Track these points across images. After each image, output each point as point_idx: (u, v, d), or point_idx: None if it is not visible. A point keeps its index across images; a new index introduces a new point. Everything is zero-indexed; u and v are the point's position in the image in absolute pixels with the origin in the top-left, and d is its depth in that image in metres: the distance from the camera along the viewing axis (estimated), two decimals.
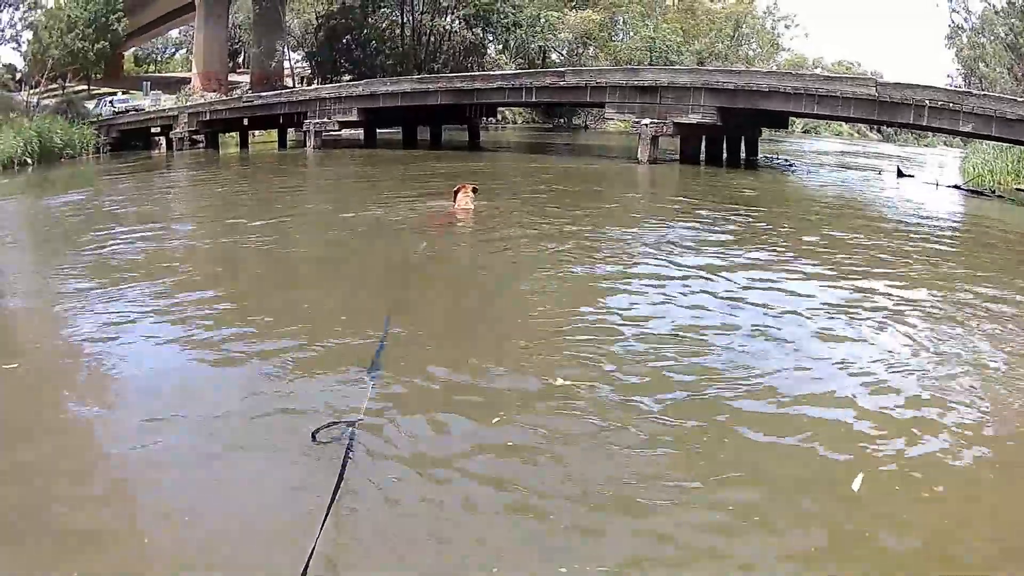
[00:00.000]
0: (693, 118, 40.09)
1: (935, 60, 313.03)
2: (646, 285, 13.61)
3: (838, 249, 18.17)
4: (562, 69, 52.41)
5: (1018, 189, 38.42)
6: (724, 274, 14.67)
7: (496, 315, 12.02)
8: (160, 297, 12.84)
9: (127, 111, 70.20)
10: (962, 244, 21.90)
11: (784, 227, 22.02)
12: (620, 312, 11.82)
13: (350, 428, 7.47)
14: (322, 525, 5.80)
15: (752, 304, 12.69)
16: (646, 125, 40.99)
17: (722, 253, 16.82)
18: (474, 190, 22.77)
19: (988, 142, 43.14)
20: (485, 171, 37.54)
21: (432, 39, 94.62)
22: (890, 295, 13.59)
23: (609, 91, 43.12)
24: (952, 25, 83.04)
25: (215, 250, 17.19)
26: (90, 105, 76.18)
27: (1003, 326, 11.84)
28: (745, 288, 13.69)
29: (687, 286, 13.69)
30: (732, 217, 23.18)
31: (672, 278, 14.30)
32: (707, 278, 14.32)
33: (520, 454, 7.22)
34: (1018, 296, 13.93)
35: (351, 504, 6.31)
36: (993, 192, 37.41)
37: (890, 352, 10.37)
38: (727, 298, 13.01)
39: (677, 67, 57.35)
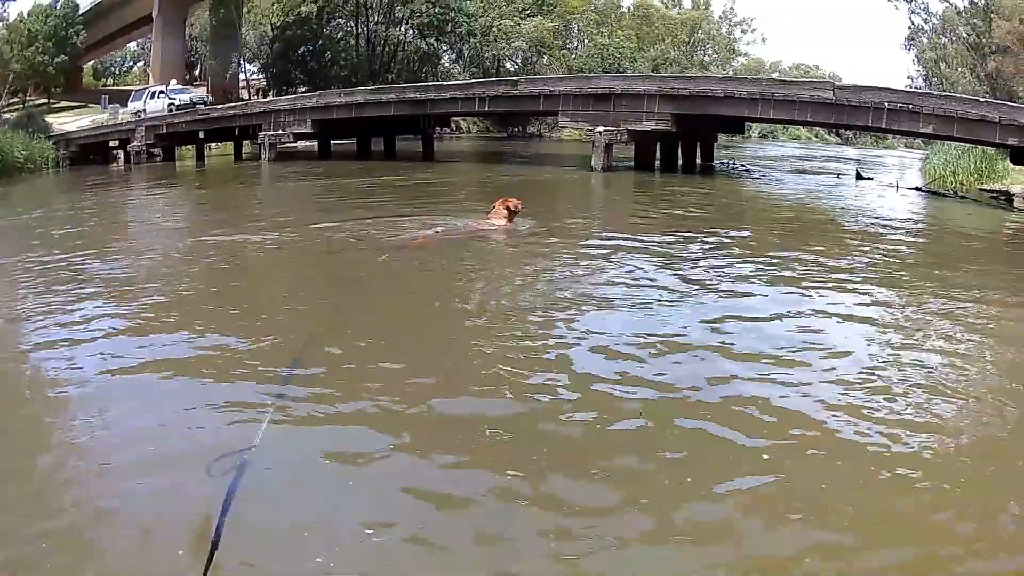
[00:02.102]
0: (647, 125, 39.38)
1: (896, 63, 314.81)
2: (599, 302, 12.60)
3: (796, 254, 17.43)
4: (515, 78, 51.40)
5: (982, 190, 37.94)
6: (678, 282, 14.06)
7: (425, 337, 10.98)
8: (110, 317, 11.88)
9: (185, 107, 65.34)
10: (922, 246, 21.85)
11: (738, 231, 21.38)
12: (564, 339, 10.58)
13: (242, 458, 6.89)
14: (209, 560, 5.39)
15: (710, 310, 12.20)
16: (600, 133, 40.13)
17: (674, 262, 15.99)
18: (510, 209, 19.53)
19: (951, 143, 42.90)
20: (438, 183, 36.87)
21: (386, 49, 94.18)
22: (848, 300, 13.17)
23: (562, 99, 42.31)
24: (912, 27, 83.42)
25: (152, 271, 15.86)
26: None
27: (970, 329, 11.56)
28: (700, 294, 13.20)
29: (646, 298, 12.86)
30: (685, 223, 22.54)
31: (635, 287, 13.58)
32: (661, 287, 13.61)
33: (416, 488, 6.58)
34: (984, 298, 13.67)
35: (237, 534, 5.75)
36: (955, 193, 37.21)
37: (851, 360, 9.84)
38: (679, 304, 12.51)
39: (631, 74, 56.76)
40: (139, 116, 66.25)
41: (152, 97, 71.52)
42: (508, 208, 19.33)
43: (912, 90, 39.56)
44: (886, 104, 33.63)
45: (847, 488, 6.55)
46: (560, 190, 35.83)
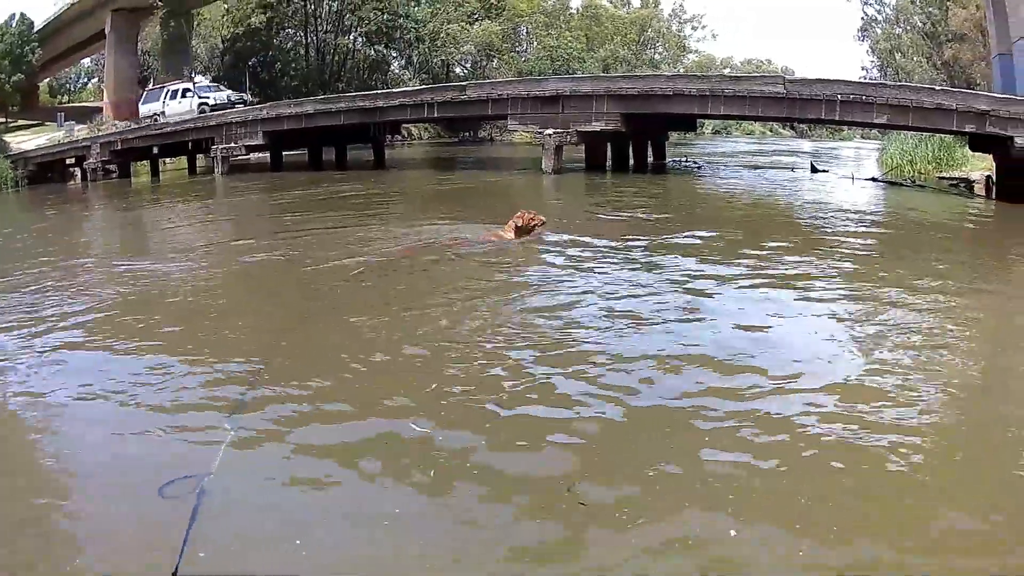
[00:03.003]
0: (597, 126, 38.63)
1: (851, 56, 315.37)
2: (561, 308, 12.14)
3: (757, 251, 17.13)
4: (463, 83, 50.15)
5: (941, 177, 38.38)
6: (632, 278, 14.17)
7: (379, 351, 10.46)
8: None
9: (222, 107, 59.46)
10: (886, 237, 21.67)
11: (695, 230, 20.47)
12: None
13: (198, 483, 6.80)
14: None
15: (670, 307, 12.17)
16: (549, 135, 39.33)
17: (632, 265, 15.78)
18: (522, 224, 18.03)
19: (908, 132, 42.28)
20: (389, 191, 36.11)
21: (336, 58, 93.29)
22: (809, 292, 13.34)
23: (511, 103, 41.33)
24: (865, 18, 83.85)
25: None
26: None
27: (940, 319, 11.76)
28: (662, 296, 12.94)
29: (603, 296, 12.78)
30: (640, 225, 22.27)
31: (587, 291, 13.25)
32: (615, 285, 13.56)
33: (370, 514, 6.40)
34: (953, 287, 13.87)
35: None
36: (913, 182, 37.60)
37: (813, 349, 10.16)
38: (642, 307, 12.18)
39: (579, 75, 56.15)
40: (154, 120, 60.79)
41: (173, 97, 63.93)
42: (517, 224, 18.05)
43: (865, 81, 39.60)
44: (839, 96, 33.09)
45: (815, 482, 6.62)
46: (512, 195, 34.69)
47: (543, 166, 39.50)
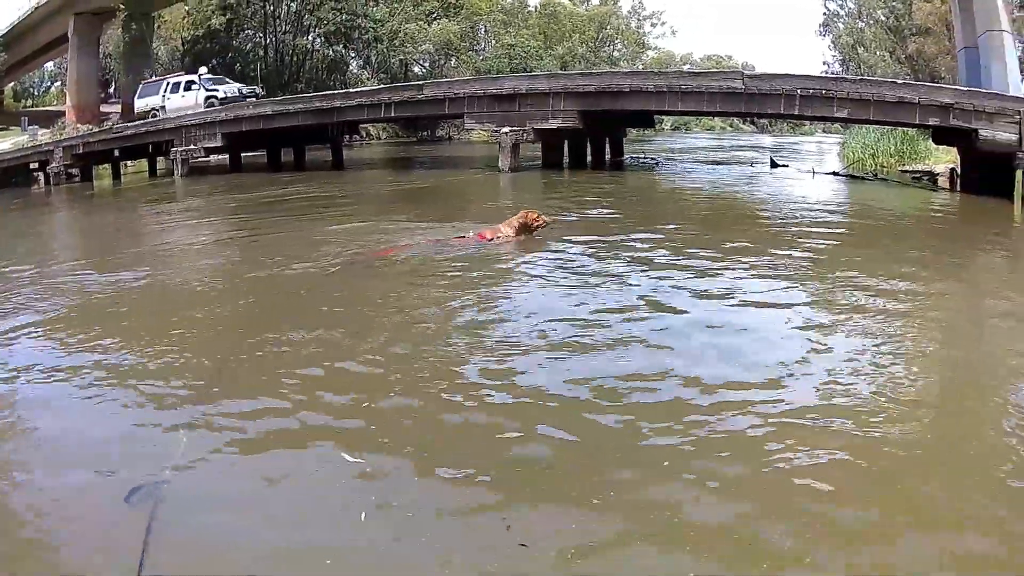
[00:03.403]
0: (553, 123, 37.99)
1: (814, 50, 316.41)
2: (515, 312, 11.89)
3: (711, 246, 17.11)
4: (421, 83, 48.83)
5: (903, 171, 38.38)
6: (598, 276, 14.07)
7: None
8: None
9: (233, 100, 55.14)
10: (848, 230, 21.77)
11: (655, 227, 20.31)
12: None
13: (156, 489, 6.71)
14: None
15: (637, 306, 11.99)
16: (506, 133, 38.48)
17: (593, 263, 15.45)
18: (524, 223, 17.55)
19: (870, 126, 42.28)
20: (347, 192, 35.01)
21: (295, 59, 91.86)
22: (772, 287, 13.34)
23: (468, 101, 40.53)
24: (827, 13, 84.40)
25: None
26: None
27: (903, 310, 11.96)
28: (625, 292, 12.93)
29: (567, 295, 12.73)
30: (600, 223, 21.79)
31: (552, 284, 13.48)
32: (579, 284, 13.44)
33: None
34: (905, 278, 13.92)
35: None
36: (875, 176, 37.65)
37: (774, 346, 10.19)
38: (605, 305, 12.06)
39: (536, 73, 55.15)
40: (153, 115, 55.69)
41: (175, 90, 58.04)
42: (517, 223, 17.52)
43: (826, 75, 39.53)
44: (798, 91, 32.85)
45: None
46: (469, 194, 34.42)
47: (500, 164, 38.77)
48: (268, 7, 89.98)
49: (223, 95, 55.11)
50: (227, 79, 62.59)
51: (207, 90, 56.22)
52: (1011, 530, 5.94)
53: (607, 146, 46.91)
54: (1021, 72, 37.56)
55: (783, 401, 8.12)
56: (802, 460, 6.91)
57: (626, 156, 49.71)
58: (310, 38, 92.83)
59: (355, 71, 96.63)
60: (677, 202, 29.93)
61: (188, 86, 57.42)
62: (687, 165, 48.61)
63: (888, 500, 6.32)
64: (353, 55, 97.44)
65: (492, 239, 17.07)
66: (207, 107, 52.28)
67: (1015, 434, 7.39)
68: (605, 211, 24.50)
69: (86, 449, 7.67)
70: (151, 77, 73.31)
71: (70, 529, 6.19)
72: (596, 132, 43.30)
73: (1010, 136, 28.15)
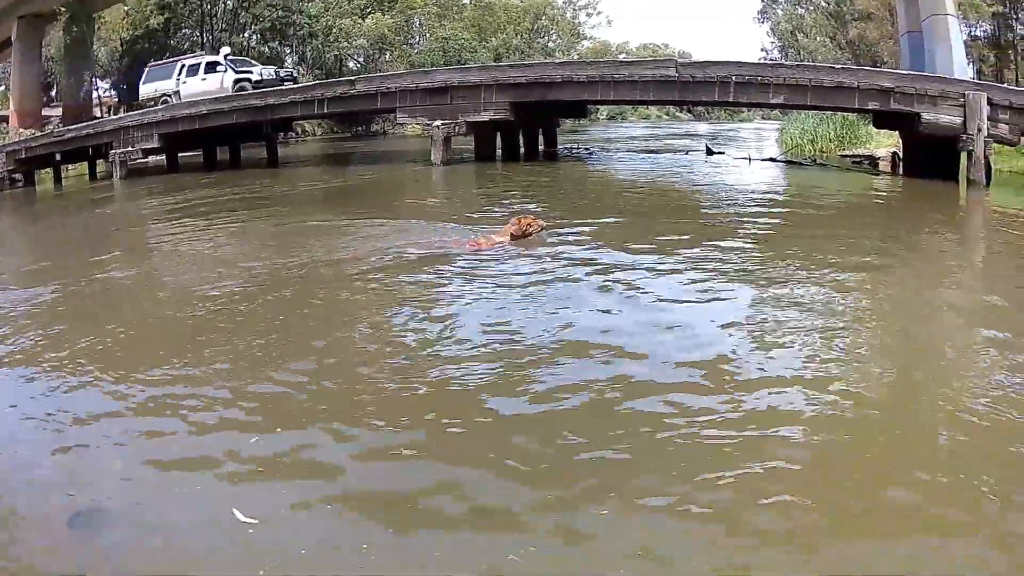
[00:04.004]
0: (485, 116, 37.29)
1: (754, 35, 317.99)
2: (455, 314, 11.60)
3: (645, 236, 17.10)
4: (352, 78, 48.50)
5: (843, 155, 38.98)
6: (536, 280, 13.41)
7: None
8: None
9: (270, 83, 49.72)
10: (780, 215, 21.95)
11: (591, 219, 20.13)
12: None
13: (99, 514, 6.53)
14: None
15: (578, 304, 11.83)
16: (438, 127, 37.72)
17: (530, 260, 15.02)
18: (518, 230, 16.47)
19: (810, 111, 42.42)
20: (282, 191, 34.30)
21: None
22: (712, 276, 13.26)
23: (400, 96, 39.50)
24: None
25: None
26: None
27: (849, 292, 12.19)
28: (567, 289, 12.71)
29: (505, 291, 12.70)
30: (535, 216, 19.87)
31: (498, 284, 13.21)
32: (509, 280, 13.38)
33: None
34: (846, 262, 14.13)
35: None
36: (814, 161, 38.09)
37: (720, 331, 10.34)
38: (542, 302, 11.98)
39: (468, 66, 54.22)
40: (163, 102, 50.23)
41: (193, 73, 51.72)
42: (512, 230, 16.54)
43: (761, 62, 39.22)
44: (733, 77, 32.59)
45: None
46: (402, 189, 33.65)
47: (432, 158, 38.00)
48: (205, 5, 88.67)
49: (258, 77, 50.24)
50: (252, 60, 58.18)
51: (236, 72, 50.68)
52: (976, 529, 5.94)
53: (540, 137, 46.63)
54: (966, 56, 38.30)
55: (727, 402, 8.04)
56: (747, 460, 6.82)
57: (560, 147, 49.52)
58: (246, 35, 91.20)
59: (290, 68, 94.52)
60: (612, 193, 29.23)
61: (210, 68, 51.53)
62: (621, 155, 48.10)
63: (839, 500, 6.31)
64: (288, 51, 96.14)
65: (486, 247, 16.01)
66: (236, 92, 47.59)
67: (963, 433, 7.36)
68: (541, 204, 23.52)
69: (24, 473, 7.43)
70: (90, 80, 71.39)
71: (9, 555, 6.09)
72: (529, 123, 42.93)
73: (953, 119, 28.36)
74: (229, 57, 52.88)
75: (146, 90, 54.19)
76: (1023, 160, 33.57)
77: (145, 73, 56.80)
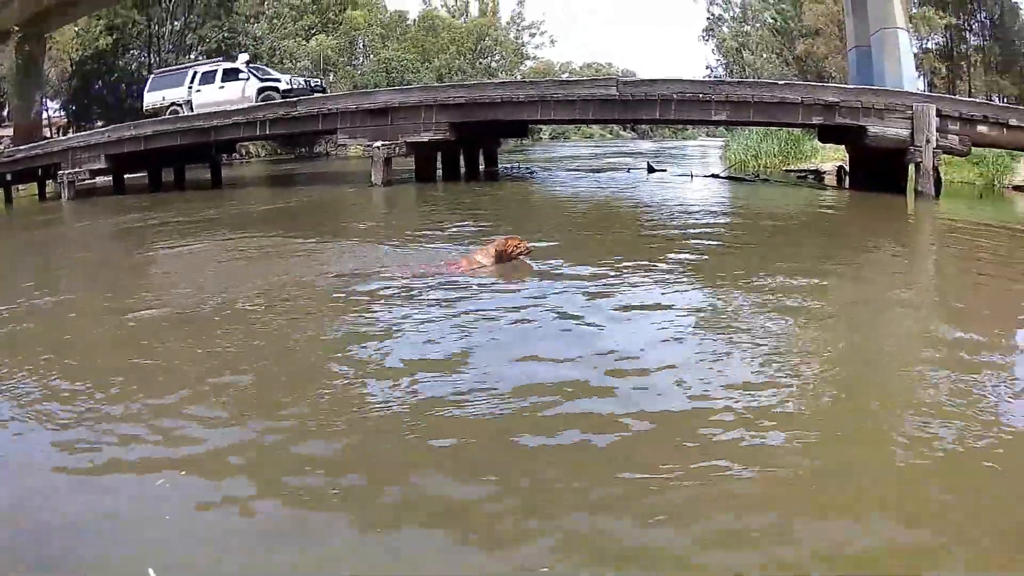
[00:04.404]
0: (425, 136, 36.64)
1: (700, 53, 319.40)
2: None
3: (585, 258, 16.18)
4: (295, 99, 46.50)
5: (788, 171, 39.29)
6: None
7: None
8: None
9: (298, 92, 44.25)
10: (722, 231, 21.42)
11: (522, 235, 17.91)
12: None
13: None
14: None
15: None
16: (378, 148, 37.02)
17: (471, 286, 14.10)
18: (501, 252, 15.22)
19: (754, 127, 43.03)
20: (222, 213, 32.28)
21: None
22: (655, 293, 13.08)
23: (341, 117, 38.87)
24: (711, 17, 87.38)
25: None
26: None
27: (793, 305, 11.97)
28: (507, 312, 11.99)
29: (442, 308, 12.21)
30: (475, 237, 19.81)
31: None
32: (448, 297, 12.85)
33: None
34: (794, 276, 13.96)
35: None
36: (757, 177, 37.85)
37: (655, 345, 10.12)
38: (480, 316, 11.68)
39: (408, 87, 53.10)
40: (174, 112, 46.20)
41: (208, 81, 46.56)
42: (495, 251, 15.28)
43: (703, 79, 39.07)
44: (675, 96, 32.41)
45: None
46: (342, 210, 32.79)
47: (372, 179, 37.20)
48: (153, 27, 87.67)
49: (287, 86, 45.20)
50: (268, 68, 52.35)
51: (261, 80, 45.62)
52: (917, 521, 5.95)
53: (481, 157, 46.26)
54: (916, 68, 39.82)
55: (676, 409, 7.98)
56: (692, 463, 6.81)
57: (501, 166, 48.93)
58: (192, 56, 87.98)
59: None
60: (553, 212, 28.59)
61: (230, 75, 46.15)
62: (563, 174, 47.80)
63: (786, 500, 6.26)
64: None
65: (467, 269, 14.89)
66: (261, 100, 43.45)
67: (907, 441, 7.27)
68: (481, 223, 22.85)
69: None
70: (40, 100, 68.97)
71: None
72: (469, 143, 42.53)
73: (900, 131, 28.68)
74: (252, 65, 48.23)
75: (152, 99, 49.56)
76: (974, 171, 34.09)
77: (150, 81, 51.95)
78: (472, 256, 15.33)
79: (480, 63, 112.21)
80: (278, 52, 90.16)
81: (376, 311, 12.29)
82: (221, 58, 51.69)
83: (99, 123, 74.66)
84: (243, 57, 49.32)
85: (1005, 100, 57.28)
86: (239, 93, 44.50)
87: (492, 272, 14.79)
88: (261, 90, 44.19)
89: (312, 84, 47.37)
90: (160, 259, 19.63)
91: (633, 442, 7.27)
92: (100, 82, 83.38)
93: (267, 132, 44.06)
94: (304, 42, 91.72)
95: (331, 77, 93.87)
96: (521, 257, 15.36)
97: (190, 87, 46.40)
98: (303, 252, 18.26)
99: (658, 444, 7.26)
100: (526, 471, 6.95)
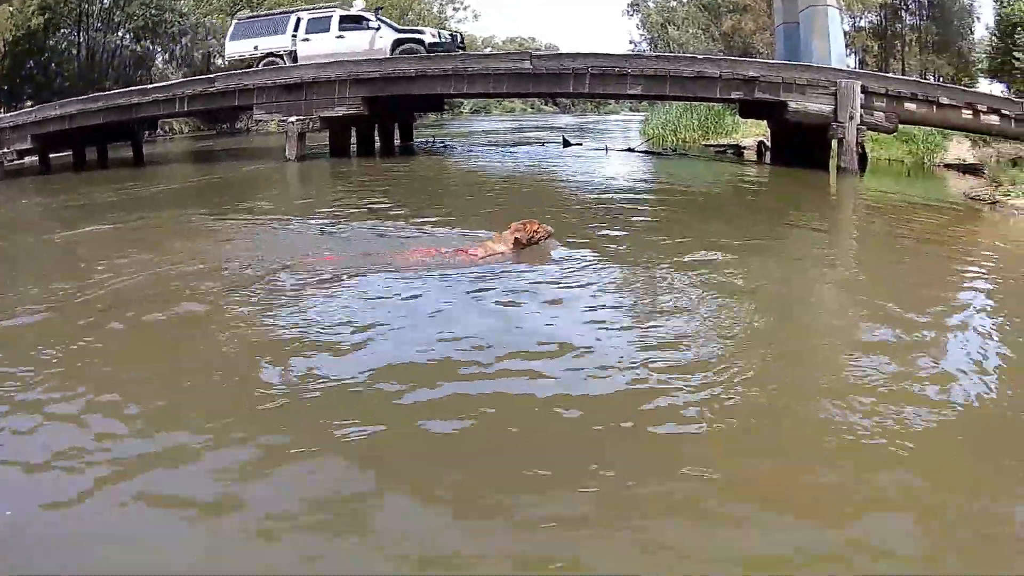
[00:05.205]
0: (339, 111, 35.17)
1: (626, 27, 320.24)
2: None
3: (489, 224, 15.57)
4: (213, 75, 45.20)
5: (707, 145, 38.89)
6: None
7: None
8: None
9: (438, 47, 37.40)
10: (634, 205, 21.15)
11: (439, 214, 18.75)
12: None
13: None
14: None
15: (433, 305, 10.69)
16: (292, 123, 35.66)
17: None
18: (522, 236, 13.52)
19: (677, 102, 42.55)
20: (147, 191, 30.97)
21: (105, 57, 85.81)
22: (574, 270, 12.44)
23: (257, 93, 37.32)
24: None
25: None
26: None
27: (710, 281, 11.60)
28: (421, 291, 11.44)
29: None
30: (382, 211, 19.58)
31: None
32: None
33: None
34: (713, 250, 13.53)
35: None
36: (675, 151, 37.55)
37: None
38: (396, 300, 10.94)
39: (323, 61, 51.30)
40: (272, 63, 39.45)
41: (319, 29, 39.12)
42: (512, 237, 13.59)
43: (619, 54, 36.69)
44: (589, 69, 31.10)
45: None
46: (256, 186, 30.83)
47: (286, 154, 35.80)
48: (83, 5, 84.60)
49: (432, 39, 37.82)
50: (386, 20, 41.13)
51: (398, 31, 38.49)
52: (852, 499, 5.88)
53: (396, 131, 44.47)
54: (846, 46, 39.69)
55: (602, 393, 7.64)
56: (617, 447, 6.56)
57: (417, 141, 47.42)
58: (120, 35, 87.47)
59: (160, 67, 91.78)
60: (469, 189, 27.54)
61: (350, 23, 38.57)
62: (480, 148, 46.64)
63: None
64: (159, 50, 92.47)
65: (483, 259, 13.12)
66: (396, 53, 36.99)
67: (834, 413, 7.13)
68: (396, 200, 22.02)
69: None
70: None
71: None
72: (384, 118, 40.96)
73: (823, 107, 28.04)
74: (364, 9, 39.74)
75: (238, 48, 43.26)
76: (903, 149, 33.86)
77: (233, 27, 45.57)
78: (487, 243, 13.62)
79: None
80: (201, 29, 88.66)
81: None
82: (321, 5, 42.13)
83: (28, 103, 72.79)
84: (359, 2, 41.35)
85: (940, 79, 57.22)
86: (366, 44, 37.60)
87: (510, 259, 13.16)
88: (399, 42, 37.49)
89: (457, 38, 41.46)
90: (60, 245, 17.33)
91: (566, 424, 7.01)
92: (32, 62, 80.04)
93: (186, 108, 42.91)
94: (228, 18, 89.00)
95: None
96: (543, 241, 13.82)
97: (294, 35, 39.61)
98: (207, 233, 16.87)
99: (579, 427, 6.98)
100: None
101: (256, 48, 41.16)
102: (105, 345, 9.46)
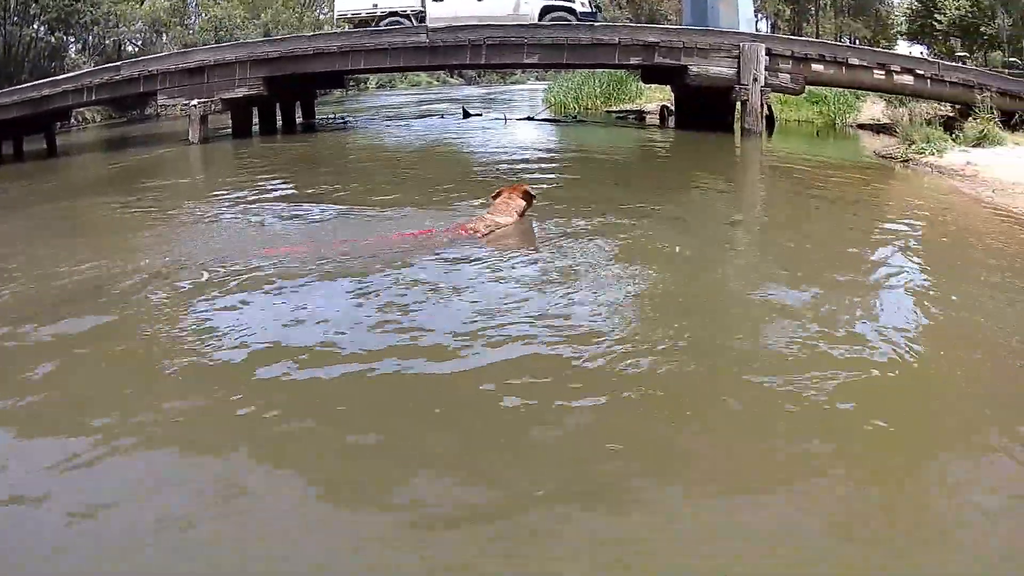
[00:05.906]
0: (240, 92, 34.41)
1: None
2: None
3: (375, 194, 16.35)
4: (118, 64, 44.03)
5: (608, 112, 38.40)
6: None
7: None
8: None
9: (588, 16, 33.49)
10: (536, 171, 20.46)
11: (341, 187, 19.14)
12: None
13: None
14: None
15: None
16: (193, 106, 34.67)
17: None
18: (526, 195, 12.70)
19: (577, 70, 42.02)
20: (65, 182, 31.20)
21: (20, 49, 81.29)
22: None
23: (161, 78, 36.36)
24: None
25: None
26: None
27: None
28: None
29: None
30: (279, 190, 19.45)
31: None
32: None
33: None
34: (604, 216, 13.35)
35: None
36: (575, 118, 36.60)
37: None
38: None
39: (223, 44, 49.94)
40: (396, 23, 35.10)
41: None
42: (510, 200, 12.64)
43: (516, 24, 32.54)
44: (485, 40, 30.47)
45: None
46: (161, 169, 29.90)
47: (189, 137, 34.83)
48: None
49: (585, 9, 34.04)
50: None
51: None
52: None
53: (298, 110, 43.14)
54: (755, 12, 39.49)
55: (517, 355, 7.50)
56: (534, 413, 6.42)
57: (319, 118, 46.03)
58: (35, 27, 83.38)
59: (74, 57, 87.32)
60: (375, 164, 26.68)
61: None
62: (378, 122, 45.62)
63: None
64: (72, 40, 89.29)
65: (483, 232, 12.02)
66: (545, 20, 32.89)
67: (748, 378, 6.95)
68: (294, 180, 21.55)
69: None
70: None
71: None
72: (286, 97, 39.79)
73: (725, 70, 27.83)
74: None
75: (351, 4, 38.76)
76: (813, 109, 33.65)
77: None
78: (487, 215, 12.43)
79: (308, 16, 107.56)
80: (112, 17, 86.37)
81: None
82: None
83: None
84: None
85: (857, 42, 57.51)
86: (510, 8, 33.55)
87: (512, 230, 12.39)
88: (547, 9, 33.45)
89: (599, 12, 38.84)
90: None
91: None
92: None
93: (94, 98, 42.09)
94: (138, 5, 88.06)
95: (164, 39, 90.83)
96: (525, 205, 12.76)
97: None
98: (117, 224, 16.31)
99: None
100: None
101: (375, 6, 37.50)
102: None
